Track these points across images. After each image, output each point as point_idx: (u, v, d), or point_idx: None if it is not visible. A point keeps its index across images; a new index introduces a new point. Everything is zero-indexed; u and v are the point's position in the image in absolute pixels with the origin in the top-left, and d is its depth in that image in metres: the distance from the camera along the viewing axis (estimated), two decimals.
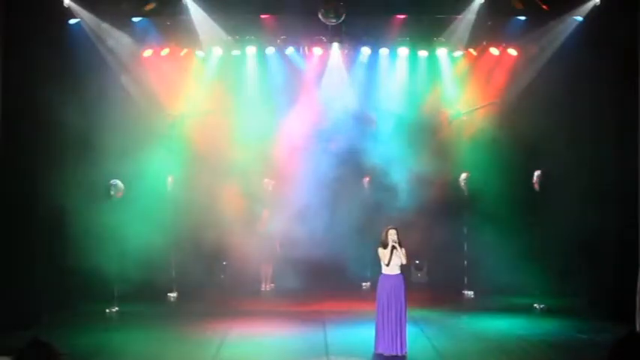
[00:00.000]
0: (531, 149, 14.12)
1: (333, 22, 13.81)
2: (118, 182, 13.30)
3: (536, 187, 13.24)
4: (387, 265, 9.72)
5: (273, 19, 14.76)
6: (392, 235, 9.66)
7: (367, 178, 15.69)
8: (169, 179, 14.26)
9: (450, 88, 15.66)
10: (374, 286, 10.53)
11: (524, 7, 14.07)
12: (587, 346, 10.29)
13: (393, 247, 9.63)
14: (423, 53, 15.53)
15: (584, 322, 11.68)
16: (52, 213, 12.66)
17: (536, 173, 13.26)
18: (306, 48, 15.51)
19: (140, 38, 14.65)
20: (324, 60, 15.64)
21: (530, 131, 13.94)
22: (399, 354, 9.60)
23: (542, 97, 13.97)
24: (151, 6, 14.09)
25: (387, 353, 9.63)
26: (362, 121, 15.99)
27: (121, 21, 14.20)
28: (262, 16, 14.73)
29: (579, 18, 13.83)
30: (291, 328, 11.69)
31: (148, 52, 14.92)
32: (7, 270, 11.74)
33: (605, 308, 11.97)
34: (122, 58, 14.54)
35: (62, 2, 13.44)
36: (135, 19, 14.34)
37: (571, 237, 13.48)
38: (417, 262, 15.78)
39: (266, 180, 15.48)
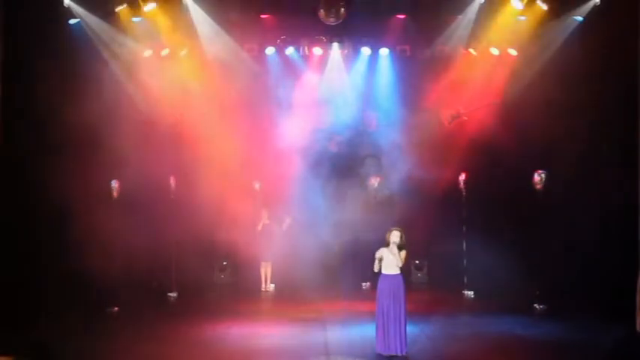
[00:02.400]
0: (531, 149, 14.11)
1: (333, 22, 13.83)
2: (113, 181, 13.31)
3: (539, 187, 13.20)
4: (377, 271, 9.77)
5: (273, 19, 14.79)
6: (394, 237, 9.65)
7: (379, 179, 15.58)
8: (171, 180, 14.25)
9: (450, 88, 15.66)
10: (374, 286, 10.52)
11: (524, 7, 14.09)
12: (587, 346, 10.27)
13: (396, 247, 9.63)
14: (422, 53, 15.53)
15: (584, 322, 11.67)
16: (52, 213, 12.66)
17: (540, 173, 13.21)
18: (306, 48, 15.51)
19: (140, 38, 14.65)
20: (324, 60, 15.65)
21: (530, 131, 13.94)
22: (399, 354, 9.60)
23: (542, 97, 13.97)
24: (151, 6, 14.10)
25: (386, 353, 9.63)
26: (362, 121, 15.99)
27: (121, 21, 14.20)
28: (262, 16, 14.77)
29: (579, 18, 13.86)
30: (291, 328, 11.68)
31: (147, 53, 14.93)
32: (8, 270, 11.76)
33: (605, 308, 11.97)
34: (122, 58, 14.54)
35: (62, 2, 13.47)
36: (135, 19, 14.35)
37: (571, 236, 13.47)
38: (417, 262, 15.78)
39: (254, 181, 15.43)
